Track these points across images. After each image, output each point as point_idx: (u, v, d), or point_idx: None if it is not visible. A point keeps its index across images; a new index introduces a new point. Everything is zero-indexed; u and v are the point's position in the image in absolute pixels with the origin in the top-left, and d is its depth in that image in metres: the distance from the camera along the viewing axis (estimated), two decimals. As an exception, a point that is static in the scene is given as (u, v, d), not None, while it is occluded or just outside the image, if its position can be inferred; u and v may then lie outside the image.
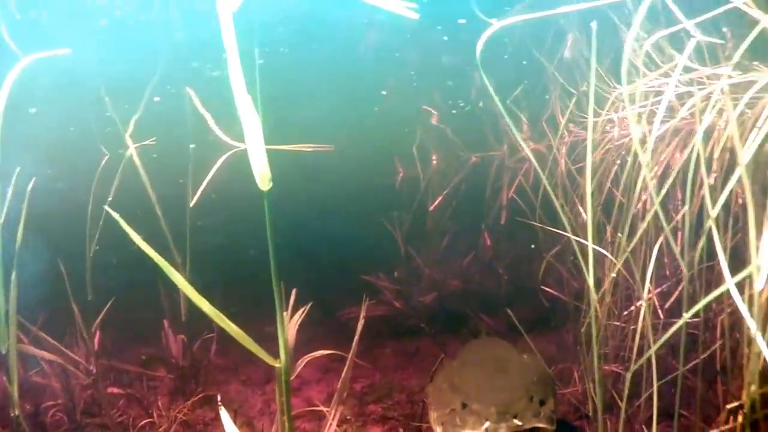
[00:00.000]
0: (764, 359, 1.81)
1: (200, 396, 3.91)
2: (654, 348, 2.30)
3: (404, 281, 5.38)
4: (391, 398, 4.03)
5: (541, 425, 2.31)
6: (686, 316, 1.84)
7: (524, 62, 4.04)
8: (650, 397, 2.80)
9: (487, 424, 2.27)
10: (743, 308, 1.58)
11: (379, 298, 5.24)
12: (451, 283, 5.34)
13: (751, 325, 1.67)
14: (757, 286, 1.49)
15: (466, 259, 5.48)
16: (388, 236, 5.38)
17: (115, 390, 3.88)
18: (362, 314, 2.75)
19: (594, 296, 2.35)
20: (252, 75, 1.94)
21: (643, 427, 2.90)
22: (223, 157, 3.12)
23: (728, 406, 2.23)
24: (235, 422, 2.98)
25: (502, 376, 2.55)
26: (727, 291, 2.10)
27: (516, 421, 2.27)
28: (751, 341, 1.97)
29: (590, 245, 2.17)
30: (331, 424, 2.53)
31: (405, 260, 5.42)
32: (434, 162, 5.33)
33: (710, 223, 1.81)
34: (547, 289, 4.11)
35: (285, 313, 2.45)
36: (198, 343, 4.20)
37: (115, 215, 1.93)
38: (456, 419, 2.40)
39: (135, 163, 3.62)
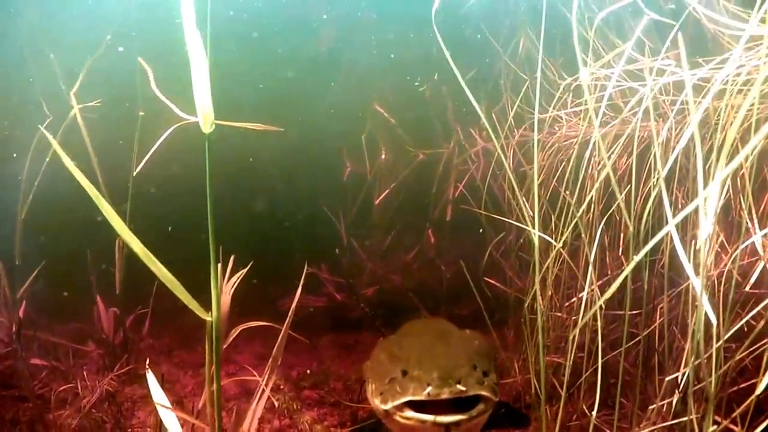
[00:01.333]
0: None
1: (130, 370, 3.76)
2: (581, 322, 2.33)
3: (346, 273, 5.34)
4: (327, 385, 3.97)
5: (484, 393, 2.19)
6: (632, 263, 1.86)
7: (478, 36, 4.06)
8: (590, 387, 2.85)
9: (429, 389, 2.14)
10: (684, 259, 1.60)
11: (320, 290, 5.20)
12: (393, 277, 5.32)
13: (696, 283, 1.69)
14: (702, 233, 1.51)
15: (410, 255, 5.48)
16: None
17: (38, 362, 3.70)
18: (302, 280, 2.63)
19: (538, 280, 2.38)
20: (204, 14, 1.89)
21: (584, 408, 2.90)
22: (172, 129, 3.04)
23: (668, 378, 2.26)
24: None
25: (444, 345, 2.44)
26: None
27: (459, 387, 2.14)
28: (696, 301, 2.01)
29: (536, 232, 2.19)
30: (264, 390, 2.45)
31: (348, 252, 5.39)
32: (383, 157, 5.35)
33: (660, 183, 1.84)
34: (492, 281, 4.13)
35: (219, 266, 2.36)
36: (131, 318, 4.06)
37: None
38: (396, 387, 2.27)
39: (79, 124, 3.51)
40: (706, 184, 1.56)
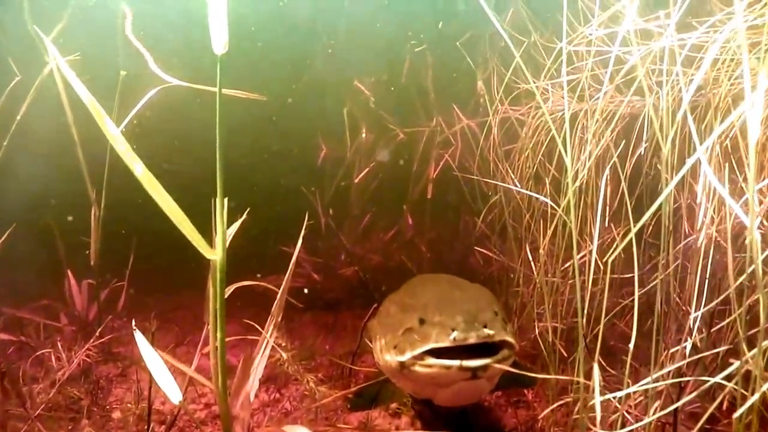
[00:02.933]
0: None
1: (103, 347, 3.55)
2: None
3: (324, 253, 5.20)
4: (313, 360, 3.83)
5: (509, 339, 2.07)
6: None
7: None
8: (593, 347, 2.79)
9: (454, 334, 2.00)
10: (709, 172, 1.55)
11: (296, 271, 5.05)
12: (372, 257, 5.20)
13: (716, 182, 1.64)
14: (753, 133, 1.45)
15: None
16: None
17: (5, 337, 3.45)
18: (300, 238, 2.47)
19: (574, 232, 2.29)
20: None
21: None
22: (153, 91, 2.88)
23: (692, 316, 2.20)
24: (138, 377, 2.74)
25: (461, 292, 2.29)
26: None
27: (486, 330, 2.01)
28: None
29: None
30: (267, 341, 2.31)
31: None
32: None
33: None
34: (481, 250, 4.07)
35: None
36: (105, 293, 3.84)
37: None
38: (414, 336, 2.11)
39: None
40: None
